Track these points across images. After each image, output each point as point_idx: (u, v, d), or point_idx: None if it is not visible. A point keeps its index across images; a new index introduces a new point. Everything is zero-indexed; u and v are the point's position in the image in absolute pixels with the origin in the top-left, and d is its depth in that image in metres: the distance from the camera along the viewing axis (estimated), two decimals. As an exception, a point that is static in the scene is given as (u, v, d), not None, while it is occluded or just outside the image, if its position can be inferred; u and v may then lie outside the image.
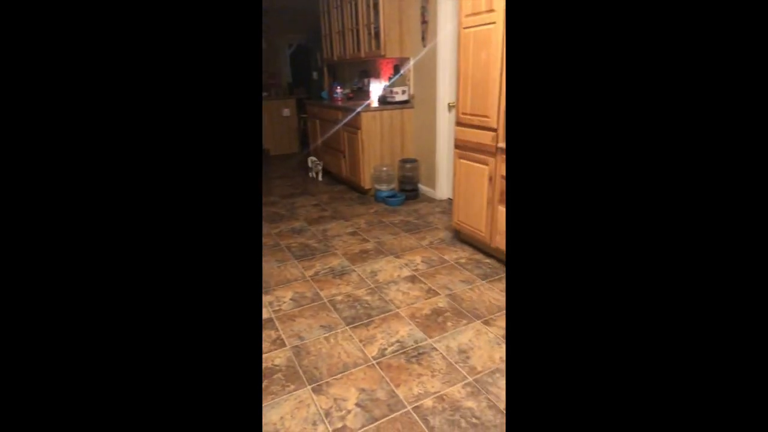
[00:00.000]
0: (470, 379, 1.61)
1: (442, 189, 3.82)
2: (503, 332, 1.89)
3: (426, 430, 1.39)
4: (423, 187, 4.01)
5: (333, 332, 1.94)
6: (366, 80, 4.43)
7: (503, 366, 1.68)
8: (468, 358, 1.73)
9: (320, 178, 4.71)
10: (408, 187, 3.88)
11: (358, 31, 4.07)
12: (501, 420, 1.42)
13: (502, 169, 2.33)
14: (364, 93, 4.48)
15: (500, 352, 1.76)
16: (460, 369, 1.67)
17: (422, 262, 2.62)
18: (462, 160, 2.63)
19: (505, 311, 2.05)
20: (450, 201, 3.68)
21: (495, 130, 2.33)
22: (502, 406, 1.48)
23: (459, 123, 2.60)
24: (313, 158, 4.80)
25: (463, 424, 1.41)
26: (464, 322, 1.98)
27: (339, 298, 2.23)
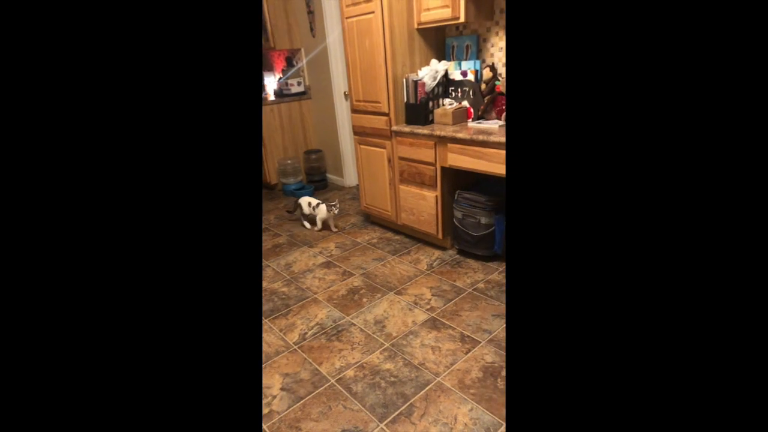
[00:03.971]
0: (387, 345, 1.75)
1: (350, 176, 3.91)
2: (414, 299, 2.06)
3: (350, 396, 1.49)
4: (331, 177, 4.07)
5: (252, 327, 1.94)
6: (260, 74, 4.32)
7: (415, 328, 1.84)
8: (384, 327, 1.87)
9: (334, 228, 2.96)
10: (316, 178, 3.91)
11: (244, 23, 3.94)
12: (416, 374, 1.57)
13: (399, 151, 2.48)
14: (259, 87, 4.37)
15: (412, 317, 1.92)
16: (377, 338, 1.80)
17: (336, 247, 2.70)
18: (362, 146, 2.75)
19: (414, 280, 2.23)
20: (359, 187, 3.80)
21: (387, 115, 2.47)
22: (416, 362, 1.63)
23: (354, 110, 2.70)
24: (309, 198, 3.00)
25: (383, 384, 1.54)
26: (378, 295, 2.11)
27: (255, 294, 2.23)
